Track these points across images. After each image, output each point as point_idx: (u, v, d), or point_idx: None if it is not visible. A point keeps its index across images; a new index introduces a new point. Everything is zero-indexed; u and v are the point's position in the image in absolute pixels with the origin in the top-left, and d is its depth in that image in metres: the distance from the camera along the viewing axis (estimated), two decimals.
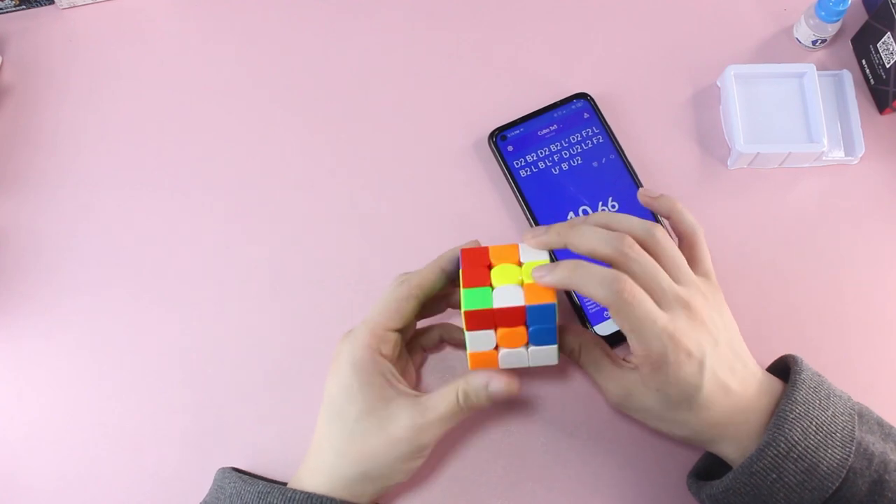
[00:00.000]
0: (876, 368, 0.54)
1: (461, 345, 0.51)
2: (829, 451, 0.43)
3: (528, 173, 0.58)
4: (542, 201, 0.57)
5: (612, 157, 0.58)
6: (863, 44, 0.61)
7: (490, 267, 0.46)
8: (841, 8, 0.58)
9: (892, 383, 0.54)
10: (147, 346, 0.55)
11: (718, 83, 0.61)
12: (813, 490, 0.42)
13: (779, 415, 0.43)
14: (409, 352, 0.52)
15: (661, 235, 0.46)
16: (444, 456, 0.52)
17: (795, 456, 0.42)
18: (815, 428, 0.43)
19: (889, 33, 0.58)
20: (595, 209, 0.57)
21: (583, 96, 0.60)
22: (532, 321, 0.45)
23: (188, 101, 0.62)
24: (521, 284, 0.45)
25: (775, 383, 0.47)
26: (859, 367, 0.54)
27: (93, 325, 0.56)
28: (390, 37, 0.64)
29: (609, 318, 0.54)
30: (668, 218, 0.50)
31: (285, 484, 0.48)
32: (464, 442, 0.53)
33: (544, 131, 0.59)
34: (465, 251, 0.47)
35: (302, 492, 0.45)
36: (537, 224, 0.56)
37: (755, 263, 0.57)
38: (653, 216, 0.56)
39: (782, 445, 0.43)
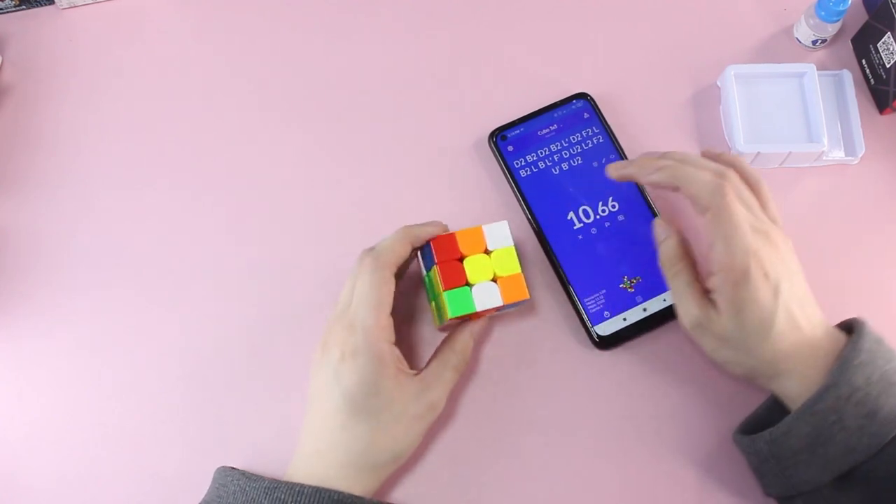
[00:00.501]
0: None
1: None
2: (891, 399, 0.44)
3: (528, 173, 0.58)
4: (542, 201, 0.57)
5: (612, 157, 0.58)
6: (863, 44, 0.61)
7: (461, 258, 0.50)
8: (841, 8, 0.58)
9: None
10: (147, 345, 0.55)
11: (718, 83, 0.61)
12: (872, 435, 0.43)
13: (843, 359, 0.45)
14: None
15: (736, 177, 0.49)
16: (445, 455, 0.52)
17: (857, 400, 0.43)
18: (878, 376, 0.44)
19: (889, 33, 0.58)
20: (595, 209, 0.57)
21: (583, 96, 0.60)
22: (503, 308, 0.51)
23: (188, 101, 0.62)
24: (496, 280, 0.49)
25: (841, 335, 0.48)
26: None
27: (93, 324, 0.56)
28: (390, 37, 0.64)
29: (608, 318, 0.54)
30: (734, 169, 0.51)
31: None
32: (464, 442, 0.53)
33: (544, 131, 0.59)
34: (435, 242, 0.50)
35: (310, 486, 0.45)
36: (537, 224, 0.56)
37: None
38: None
39: (844, 388, 0.44)
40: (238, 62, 0.63)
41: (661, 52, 0.63)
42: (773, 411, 0.49)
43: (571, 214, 0.57)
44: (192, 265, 0.57)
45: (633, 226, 0.57)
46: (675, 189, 0.49)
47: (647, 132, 0.60)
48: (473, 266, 0.50)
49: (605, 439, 0.53)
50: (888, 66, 0.58)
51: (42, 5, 0.65)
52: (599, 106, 0.60)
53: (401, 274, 0.52)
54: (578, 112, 0.60)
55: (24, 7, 0.65)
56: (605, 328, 0.54)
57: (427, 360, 0.52)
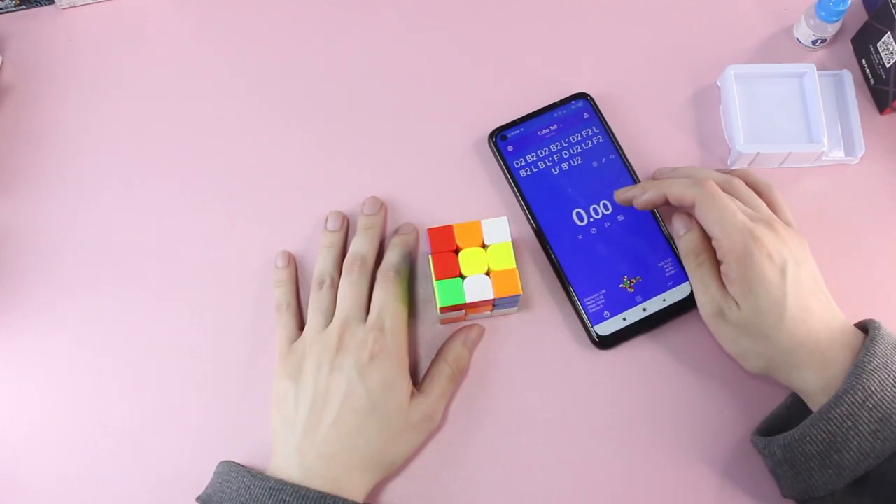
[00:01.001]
0: None
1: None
2: None
3: (528, 173, 0.58)
4: (542, 201, 0.57)
5: (612, 157, 0.58)
6: (863, 44, 0.61)
7: (457, 251, 0.51)
8: (841, 8, 0.58)
9: None
10: (147, 345, 0.55)
11: (718, 83, 0.61)
12: (885, 440, 0.44)
13: (858, 364, 0.45)
14: None
15: (741, 184, 0.51)
16: (444, 455, 0.52)
17: (871, 405, 0.44)
18: (892, 381, 0.44)
19: (889, 33, 0.58)
20: (595, 209, 0.57)
21: (583, 96, 0.60)
22: (499, 305, 0.52)
23: (188, 101, 0.62)
24: (489, 273, 0.50)
25: (857, 332, 0.48)
26: None
27: (93, 324, 0.56)
28: (390, 37, 0.64)
29: (608, 317, 0.54)
30: (743, 179, 0.53)
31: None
32: (463, 441, 0.53)
33: (544, 131, 0.59)
34: (432, 232, 0.51)
35: (315, 491, 0.45)
36: (537, 224, 0.56)
37: None
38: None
39: (860, 394, 0.44)
40: (238, 62, 0.63)
41: (661, 52, 0.63)
42: (794, 411, 0.49)
43: (571, 214, 0.57)
44: (192, 264, 0.57)
45: (633, 226, 0.57)
46: (666, 201, 0.51)
47: (647, 132, 0.60)
48: (468, 259, 0.51)
49: (604, 439, 0.53)
50: (888, 66, 0.58)
51: (42, 5, 0.65)
52: (599, 106, 0.60)
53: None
54: (578, 112, 0.60)
55: (24, 7, 0.65)
56: (605, 328, 0.54)
57: (424, 364, 0.52)
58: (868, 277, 0.57)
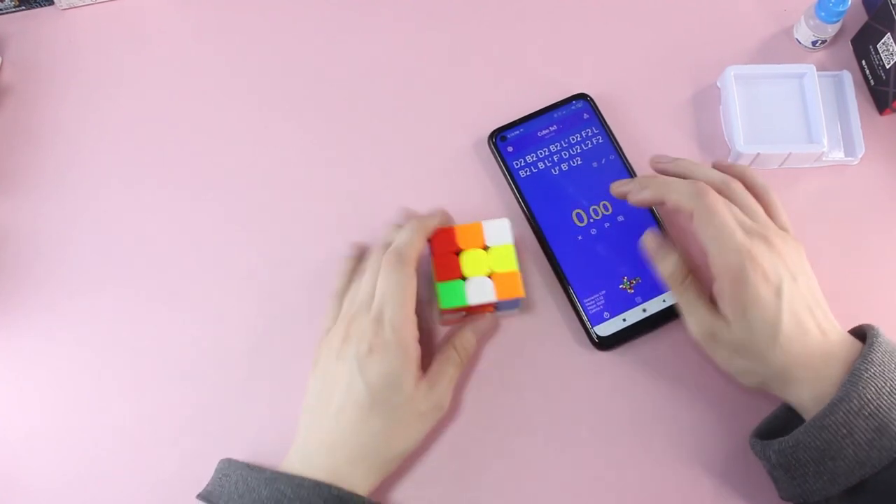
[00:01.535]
0: None
1: None
2: None
3: (528, 173, 0.58)
4: (541, 201, 0.57)
5: (612, 157, 0.58)
6: (863, 44, 0.61)
7: (458, 252, 0.51)
8: (841, 8, 0.58)
9: None
10: (147, 344, 0.55)
11: (718, 83, 0.61)
12: (881, 449, 0.43)
13: (854, 372, 0.44)
14: None
15: (738, 186, 0.49)
16: (444, 456, 0.52)
17: (867, 413, 0.43)
18: (888, 389, 0.43)
19: (889, 34, 0.58)
20: (595, 210, 0.57)
21: (583, 96, 0.60)
22: (501, 308, 0.52)
23: (188, 101, 0.62)
24: (491, 276, 0.50)
25: (854, 342, 0.47)
26: None
27: (93, 324, 0.56)
28: (390, 37, 0.64)
29: (608, 318, 0.54)
30: (741, 180, 0.51)
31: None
32: (463, 442, 0.53)
33: (544, 132, 0.59)
34: (433, 235, 0.51)
35: (311, 479, 0.45)
36: (537, 225, 0.56)
37: None
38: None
39: (855, 402, 0.43)
40: (238, 62, 0.63)
41: (661, 52, 0.63)
42: (794, 412, 0.48)
43: (571, 215, 0.57)
44: (192, 264, 0.57)
45: (633, 227, 0.57)
46: (662, 204, 0.50)
47: (647, 133, 0.60)
48: (469, 260, 0.51)
49: (604, 439, 0.53)
50: (888, 66, 0.58)
51: (42, 5, 0.65)
52: (599, 106, 0.60)
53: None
54: (578, 112, 0.60)
55: (24, 7, 0.65)
56: (605, 329, 0.54)
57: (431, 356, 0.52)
58: (868, 278, 0.57)
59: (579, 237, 0.56)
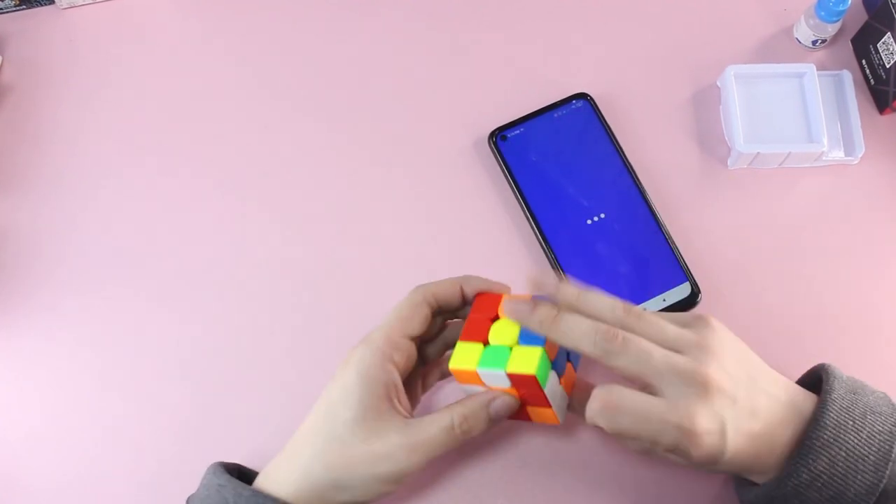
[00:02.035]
0: (871, 368, 0.54)
1: None
2: (860, 476, 0.41)
3: (528, 173, 0.58)
4: (541, 201, 0.57)
5: (612, 157, 0.58)
6: (863, 44, 0.61)
7: (494, 319, 0.45)
8: (841, 8, 0.58)
9: (886, 383, 0.54)
10: (147, 345, 0.55)
11: (718, 83, 0.61)
12: None
13: (804, 443, 0.41)
14: (422, 376, 0.49)
15: (632, 308, 0.43)
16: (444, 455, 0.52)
17: (819, 485, 0.41)
18: (844, 454, 0.41)
19: (889, 33, 0.58)
20: (595, 209, 0.57)
21: (583, 96, 0.60)
22: (518, 385, 0.44)
23: (188, 101, 0.62)
24: (512, 347, 0.44)
25: (806, 401, 0.44)
26: (855, 366, 0.54)
27: (93, 324, 0.56)
28: (390, 36, 0.64)
29: None
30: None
31: None
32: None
33: (544, 131, 0.59)
34: (479, 296, 0.46)
35: (251, 490, 0.43)
36: (537, 224, 0.56)
37: (754, 263, 0.57)
38: (653, 224, 0.57)
39: (804, 476, 0.41)
40: (238, 63, 0.63)
41: (661, 52, 0.63)
42: None
43: (571, 214, 0.57)
44: (192, 264, 0.57)
45: (633, 226, 0.57)
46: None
47: (647, 132, 0.60)
48: (499, 330, 0.45)
49: (604, 440, 0.53)
50: (888, 66, 0.58)
51: (42, 5, 0.65)
52: (599, 106, 0.60)
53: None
54: (578, 112, 0.60)
55: (24, 7, 0.65)
56: None
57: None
58: (868, 277, 0.57)
59: (579, 236, 0.56)
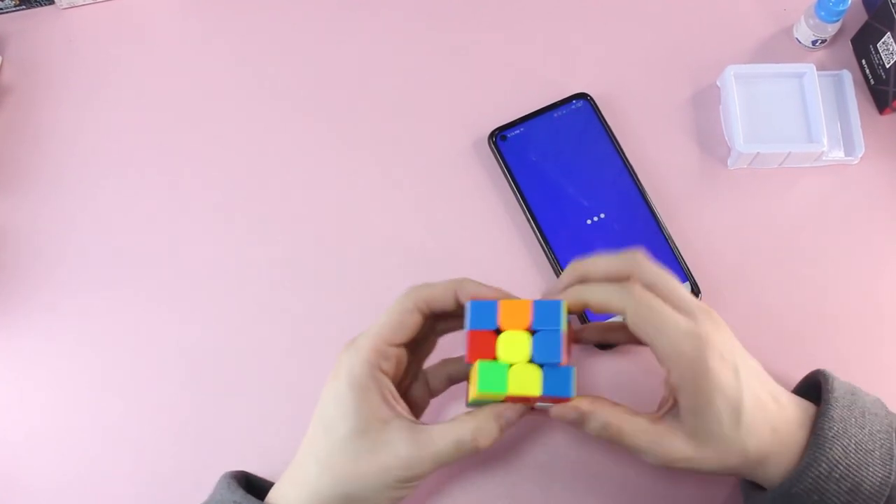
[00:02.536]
0: (871, 366, 0.54)
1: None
2: (871, 469, 0.41)
3: (528, 173, 0.58)
4: (541, 201, 0.57)
5: (612, 157, 0.58)
6: (863, 44, 0.61)
7: (497, 331, 0.42)
8: (841, 8, 0.58)
9: (886, 383, 0.54)
10: (147, 345, 0.55)
11: (718, 83, 0.61)
12: None
13: (817, 433, 0.41)
14: (424, 380, 0.48)
15: (645, 260, 0.43)
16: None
17: (838, 476, 0.41)
18: (854, 446, 0.41)
19: (889, 33, 0.58)
20: (595, 209, 0.57)
21: (583, 96, 0.60)
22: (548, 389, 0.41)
23: (187, 101, 0.62)
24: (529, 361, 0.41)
25: (808, 406, 0.44)
26: (855, 366, 0.54)
27: (93, 324, 0.56)
28: (390, 36, 0.64)
29: (608, 318, 0.54)
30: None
31: None
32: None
33: (544, 131, 0.59)
34: (473, 303, 0.43)
35: (250, 499, 0.42)
36: (537, 224, 0.56)
37: (754, 263, 0.57)
38: (656, 224, 0.57)
39: (824, 465, 0.41)
40: (237, 63, 0.63)
41: (661, 52, 0.63)
42: None
43: (571, 214, 0.57)
44: (192, 264, 0.57)
45: (633, 226, 0.57)
46: (586, 306, 0.44)
47: (647, 132, 0.60)
48: (509, 343, 0.42)
49: (604, 441, 0.53)
50: (888, 66, 0.58)
51: (42, 5, 0.65)
52: (599, 106, 0.60)
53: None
54: (578, 112, 0.60)
55: (24, 7, 0.65)
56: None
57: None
58: (868, 277, 0.57)
59: (580, 236, 0.56)
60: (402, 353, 0.44)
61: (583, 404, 0.43)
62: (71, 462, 0.53)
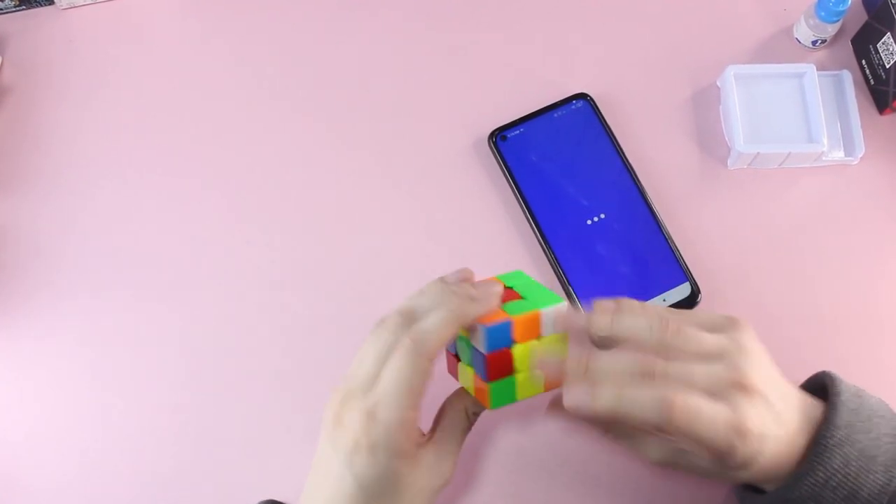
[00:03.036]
0: (871, 366, 0.54)
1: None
2: (872, 476, 0.41)
3: (528, 173, 0.58)
4: (541, 201, 0.57)
5: (612, 157, 0.58)
6: (863, 44, 0.61)
7: (511, 346, 0.42)
8: (841, 8, 0.58)
9: (886, 383, 0.54)
10: (147, 345, 0.55)
11: (718, 83, 0.61)
12: None
13: (819, 442, 0.41)
14: None
15: (670, 323, 0.42)
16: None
17: (835, 484, 0.41)
18: (857, 453, 0.41)
19: (889, 33, 0.58)
20: (595, 209, 0.57)
21: (583, 96, 0.60)
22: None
23: (187, 101, 0.62)
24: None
25: (814, 407, 0.44)
26: (855, 367, 0.54)
27: (93, 324, 0.56)
28: (390, 36, 0.64)
29: None
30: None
31: None
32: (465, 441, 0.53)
33: (544, 131, 0.59)
34: (489, 330, 0.41)
35: None
36: (537, 224, 0.56)
37: (754, 263, 0.57)
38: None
39: (821, 475, 0.41)
40: (237, 63, 0.63)
41: (661, 52, 0.63)
42: None
43: (571, 214, 0.57)
44: (192, 264, 0.57)
45: (633, 226, 0.57)
46: (619, 418, 0.41)
47: (647, 132, 0.60)
48: (522, 355, 0.43)
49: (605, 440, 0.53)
50: (888, 66, 0.58)
51: (42, 5, 0.65)
52: (599, 106, 0.60)
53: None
54: (578, 112, 0.60)
55: (24, 7, 0.65)
56: None
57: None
58: (868, 278, 0.57)
59: (580, 237, 0.56)
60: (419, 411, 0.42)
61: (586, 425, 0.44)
62: (71, 462, 0.53)
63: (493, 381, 0.42)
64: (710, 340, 0.42)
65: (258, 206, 0.59)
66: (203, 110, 0.62)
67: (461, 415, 0.45)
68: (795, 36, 0.63)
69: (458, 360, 0.46)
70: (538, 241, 0.57)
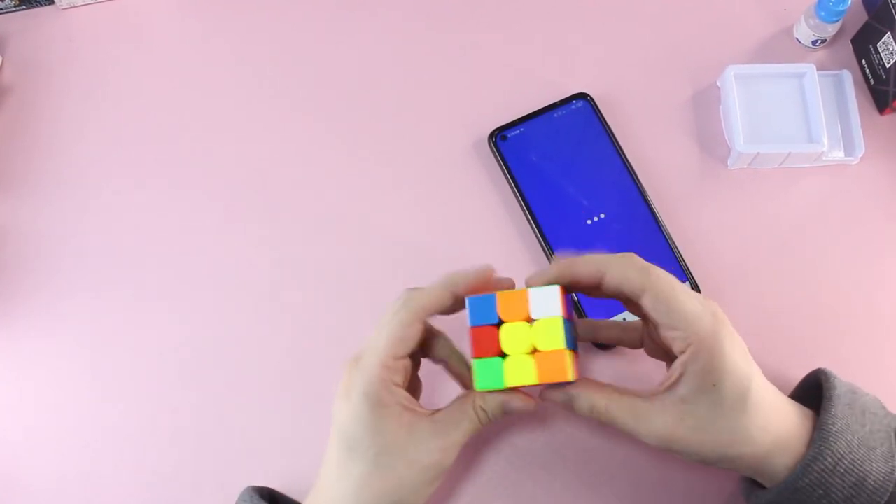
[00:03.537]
0: (871, 366, 0.54)
1: (461, 378, 0.48)
2: (875, 464, 0.41)
3: (528, 173, 0.58)
4: (542, 201, 0.57)
5: (612, 157, 0.58)
6: (863, 44, 0.61)
7: (499, 324, 0.43)
8: (841, 8, 0.58)
9: (886, 383, 0.54)
10: (147, 345, 0.55)
11: (718, 83, 0.61)
12: None
13: (821, 428, 0.42)
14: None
15: (648, 266, 0.43)
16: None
17: (842, 470, 0.41)
18: (857, 442, 0.41)
19: (889, 33, 0.58)
20: (595, 209, 0.57)
21: (583, 96, 0.60)
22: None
23: (188, 101, 0.62)
24: (534, 354, 0.42)
25: (802, 406, 0.45)
26: (855, 366, 0.54)
27: (93, 324, 0.56)
28: (390, 36, 0.64)
29: (608, 317, 0.54)
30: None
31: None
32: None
33: (544, 131, 0.59)
34: (471, 300, 0.43)
35: None
36: (537, 224, 0.56)
37: (754, 263, 0.57)
38: (656, 228, 0.57)
39: (829, 459, 0.41)
40: (237, 63, 0.63)
41: (661, 52, 0.63)
42: None
43: (571, 214, 0.57)
44: (191, 264, 0.57)
45: (633, 226, 0.57)
46: (601, 281, 0.43)
47: (647, 132, 0.60)
48: (510, 336, 0.42)
49: (606, 440, 0.53)
50: (888, 66, 0.58)
51: (42, 5, 0.65)
52: (599, 106, 0.60)
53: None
54: (578, 112, 0.60)
55: (24, 7, 0.65)
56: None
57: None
58: (868, 277, 0.57)
59: (580, 236, 0.56)
60: (409, 361, 0.44)
61: (570, 386, 0.44)
62: (71, 462, 0.53)
63: (477, 358, 0.42)
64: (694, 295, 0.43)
65: (258, 206, 0.59)
66: (203, 110, 0.62)
67: (469, 405, 0.44)
68: (795, 36, 0.63)
69: None
70: (538, 240, 0.57)
